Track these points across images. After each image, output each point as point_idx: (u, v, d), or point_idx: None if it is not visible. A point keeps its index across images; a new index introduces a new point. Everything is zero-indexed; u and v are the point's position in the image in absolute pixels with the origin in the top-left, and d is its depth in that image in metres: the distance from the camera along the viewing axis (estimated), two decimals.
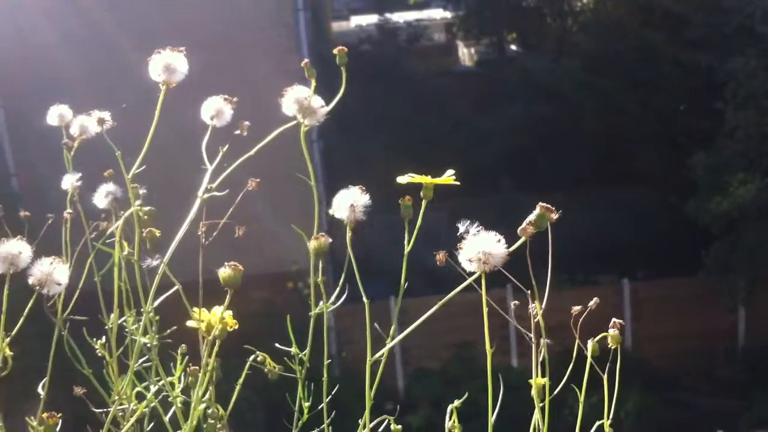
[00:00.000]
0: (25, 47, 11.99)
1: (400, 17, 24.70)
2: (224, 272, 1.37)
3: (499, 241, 1.19)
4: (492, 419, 1.34)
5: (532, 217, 1.20)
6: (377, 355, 1.40)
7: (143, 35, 11.32)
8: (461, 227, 1.20)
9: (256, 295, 11.61)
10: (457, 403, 1.43)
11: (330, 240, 1.46)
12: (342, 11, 28.52)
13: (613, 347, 1.43)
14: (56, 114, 1.74)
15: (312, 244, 1.45)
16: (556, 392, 1.39)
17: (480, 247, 1.18)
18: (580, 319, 1.44)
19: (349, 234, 1.41)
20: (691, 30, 14.15)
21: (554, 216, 1.21)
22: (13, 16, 11.99)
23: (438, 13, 27.16)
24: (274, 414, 10.39)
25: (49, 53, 11.93)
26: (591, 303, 1.45)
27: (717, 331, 13.58)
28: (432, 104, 18.45)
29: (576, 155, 16.05)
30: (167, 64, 1.47)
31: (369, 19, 24.99)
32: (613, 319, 1.45)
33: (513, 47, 23.43)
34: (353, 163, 14.74)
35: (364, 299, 1.46)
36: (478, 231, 1.20)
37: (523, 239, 1.20)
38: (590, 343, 1.44)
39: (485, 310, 1.25)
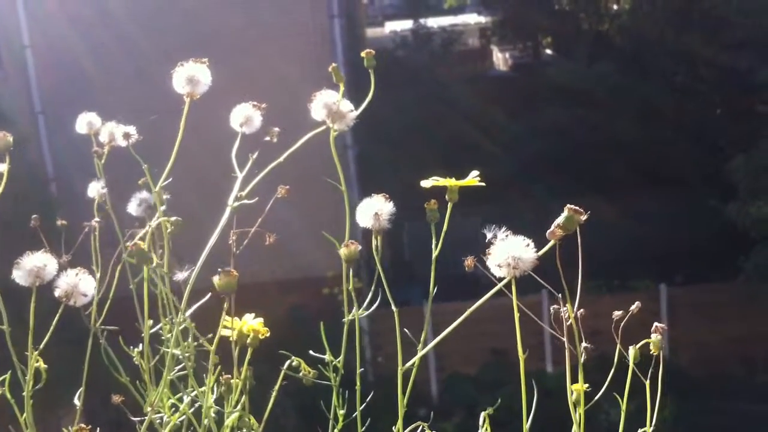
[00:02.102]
0: (62, 55, 12.17)
1: (434, 22, 24.69)
2: (219, 279, 1.34)
3: (528, 245, 1.17)
4: (527, 425, 1.33)
5: (560, 219, 1.19)
6: (408, 364, 1.39)
7: (175, 45, 11.44)
8: (489, 233, 1.19)
9: (290, 300, 11.65)
10: (489, 410, 1.42)
11: (360, 248, 1.45)
12: (377, 17, 28.59)
13: (654, 354, 1.41)
14: (85, 122, 1.75)
15: (342, 252, 1.45)
16: (595, 399, 1.37)
17: (509, 252, 1.17)
18: (621, 325, 1.42)
19: (374, 242, 1.40)
20: (731, 32, 13.97)
21: (583, 218, 1.19)
22: (50, 28, 12.18)
23: (472, 18, 27.12)
24: (306, 418, 10.41)
25: (84, 62, 12.10)
26: (633, 307, 1.43)
27: (756, 337, 13.37)
28: (466, 109, 18.40)
29: (611, 159, 15.91)
30: (190, 76, 1.46)
31: (403, 25, 25.01)
32: (655, 324, 1.43)
33: (548, 51, 23.32)
34: (387, 168, 14.75)
35: (393, 307, 1.45)
36: (507, 236, 1.18)
37: (552, 243, 1.18)
38: (632, 350, 1.42)
39: (516, 315, 1.23)
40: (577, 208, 1.19)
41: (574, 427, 1.33)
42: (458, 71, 21.80)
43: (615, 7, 20.45)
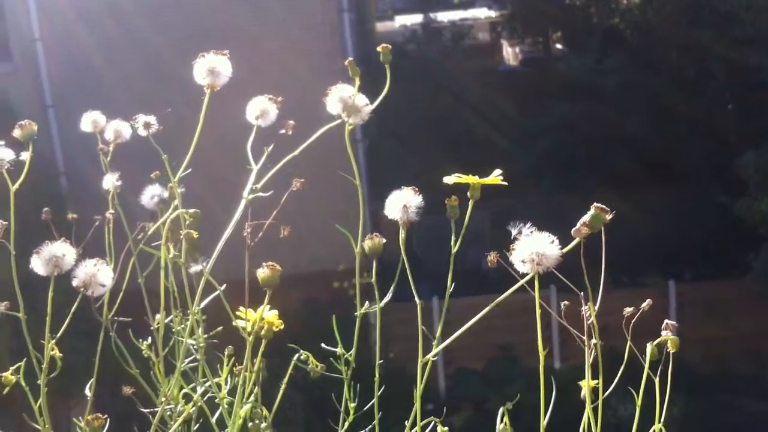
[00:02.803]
0: (72, 49, 12.20)
1: (444, 17, 24.66)
2: (263, 273, 1.37)
3: (552, 242, 1.17)
4: (544, 422, 1.33)
5: (586, 217, 1.19)
6: (427, 357, 1.39)
7: (184, 39, 11.45)
8: (513, 229, 1.19)
9: (300, 294, 11.66)
10: (509, 405, 1.42)
11: (384, 240, 1.46)
12: (386, 11, 28.55)
13: (665, 350, 1.41)
14: (89, 120, 1.75)
15: (367, 244, 1.46)
16: (605, 394, 1.37)
17: (534, 248, 1.17)
18: (632, 321, 1.42)
19: (402, 235, 1.41)
20: (741, 28, 13.91)
21: (608, 217, 1.19)
22: (60, 21, 12.20)
23: (483, 13, 27.05)
24: (314, 411, 10.43)
25: (94, 56, 12.13)
26: (644, 305, 1.42)
27: (765, 334, 13.33)
28: (476, 104, 18.37)
29: (621, 155, 15.86)
30: (211, 68, 1.47)
31: (413, 19, 24.97)
32: (666, 321, 1.43)
33: (558, 46, 23.26)
34: (397, 162, 14.74)
35: (417, 300, 1.45)
36: (531, 232, 1.18)
37: (577, 240, 1.18)
38: (649, 347, 1.42)
39: (538, 311, 1.23)
40: (603, 206, 1.19)
41: (585, 420, 1.33)
42: (468, 65, 21.76)
43: (625, 1, 20.37)
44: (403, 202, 1.38)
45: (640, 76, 16.15)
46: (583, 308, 1.27)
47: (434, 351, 1.39)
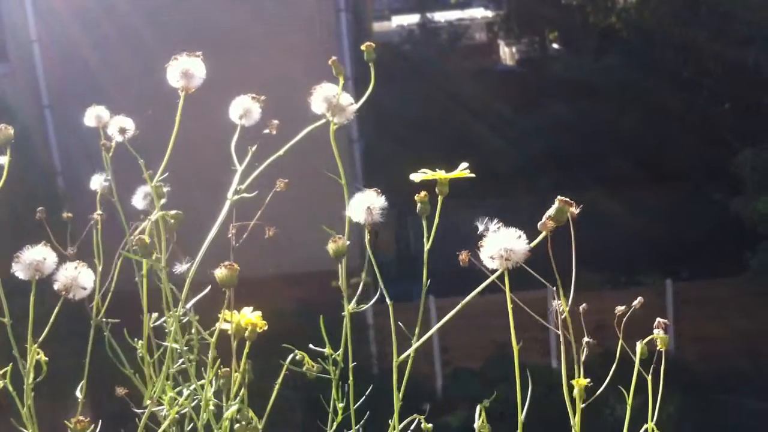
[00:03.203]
0: (69, 50, 12.18)
1: (441, 17, 24.66)
2: (220, 272, 1.35)
3: (519, 237, 1.17)
4: (522, 417, 1.33)
5: (551, 211, 1.19)
6: (402, 356, 1.39)
7: (181, 39, 11.43)
8: (480, 225, 1.19)
9: (296, 294, 11.64)
10: (485, 402, 1.42)
11: (348, 242, 1.45)
12: (383, 11, 28.54)
13: (658, 349, 1.41)
14: (93, 115, 1.74)
15: (330, 247, 1.45)
16: (597, 393, 1.37)
17: (501, 243, 1.17)
18: (623, 320, 1.41)
19: (367, 237, 1.40)
20: (737, 27, 13.92)
21: (574, 210, 1.19)
22: (57, 23, 12.19)
23: (479, 13, 27.07)
24: (312, 412, 10.43)
25: (90, 57, 12.12)
26: (635, 303, 1.42)
27: (762, 332, 13.34)
28: (473, 103, 18.37)
29: (618, 154, 15.87)
30: (185, 70, 1.45)
31: (410, 19, 24.96)
32: (658, 319, 1.43)
33: (554, 46, 23.27)
34: (393, 162, 14.72)
35: (388, 301, 1.45)
36: (498, 228, 1.18)
37: (543, 234, 1.18)
38: (639, 346, 1.42)
39: (510, 307, 1.23)
40: (567, 199, 1.19)
41: (574, 420, 1.33)
42: (465, 65, 21.76)
43: (622, 1, 20.39)
44: (366, 204, 1.37)
45: (636, 76, 16.16)
46: (559, 305, 1.26)
47: (410, 349, 1.39)
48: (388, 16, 28.20)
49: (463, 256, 1.23)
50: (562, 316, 1.26)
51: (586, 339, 1.29)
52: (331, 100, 1.45)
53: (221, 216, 1.41)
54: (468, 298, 1.26)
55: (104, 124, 1.72)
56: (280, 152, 1.47)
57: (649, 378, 1.44)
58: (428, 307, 11.77)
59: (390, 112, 14.23)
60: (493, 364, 12.83)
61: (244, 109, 1.51)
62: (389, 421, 1.45)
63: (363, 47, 1.54)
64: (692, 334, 13.08)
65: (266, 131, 1.51)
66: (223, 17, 12.24)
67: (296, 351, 1.58)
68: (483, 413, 1.42)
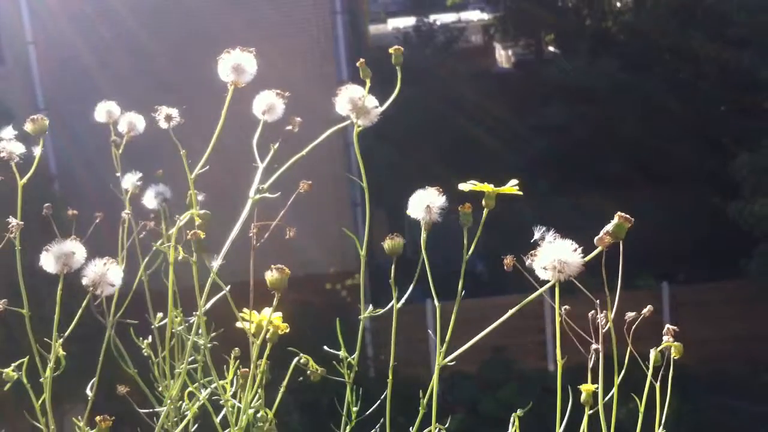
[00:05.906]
0: (65, 52, 12.17)
1: (437, 19, 24.65)
2: (271, 275, 1.35)
3: (575, 250, 1.15)
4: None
5: (609, 227, 1.18)
6: (437, 366, 1.39)
7: (177, 42, 11.43)
8: (537, 233, 1.17)
9: (293, 296, 11.61)
10: (520, 412, 1.40)
11: (404, 241, 1.45)
12: (379, 14, 28.53)
13: (655, 354, 1.40)
14: (104, 110, 1.73)
15: (387, 245, 1.44)
16: (606, 399, 1.36)
17: (556, 255, 1.15)
18: (624, 325, 1.41)
19: (423, 235, 1.38)
20: (733, 30, 13.94)
21: (630, 225, 1.18)
22: (53, 25, 12.18)
23: (475, 15, 27.09)
24: (307, 415, 10.41)
25: (87, 59, 12.11)
26: (645, 311, 1.41)
27: (759, 336, 13.35)
28: (469, 106, 18.37)
29: (614, 157, 15.88)
30: (236, 65, 1.44)
31: (406, 22, 24.97)
32: (667, 326, 1.42)
33: (551, 48, 23.29)
34: (391, 166, 14.73)
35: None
36: (555, 239, 1.16)
37: (599, 249, 1.17)
38: (653, 352, 1.41)
39: (558, 318, 1.21)
40: (626, 216, 1.18)
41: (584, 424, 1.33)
42: (461, 68, 21.76)
43: (618, 3, 20.41)
44: (426, 202, 1.35)
45: (632, 79, 16.17)
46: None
47: (437, 366, 1.38)
48: (384, 18, 28.19)
49: (508, 260, 1.22)
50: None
51: (594, 345, 1.28)
52: (356, 102, 1.44)
53: (243, 215, 1.40)
54: (525, 301, 1.25)
55: (115, 120, 1.71)
56: (303, 153, 1.46)
57: (647, 383, 1.43)
58: (424, 310, 11.75)
59: (386, 115, 14.18)
60: (489, 367, 12.82)
61: (268, 105, 1.51)
62: (393, 424, 1.44)
63: (391, 50, 1.54)
64: (689, 337, 13.02)
65: (288, 127, 1.50)
66: (220, 20, 12.24)
67: (301, 354, 1.57)
68: (517, 422, 1.41)
